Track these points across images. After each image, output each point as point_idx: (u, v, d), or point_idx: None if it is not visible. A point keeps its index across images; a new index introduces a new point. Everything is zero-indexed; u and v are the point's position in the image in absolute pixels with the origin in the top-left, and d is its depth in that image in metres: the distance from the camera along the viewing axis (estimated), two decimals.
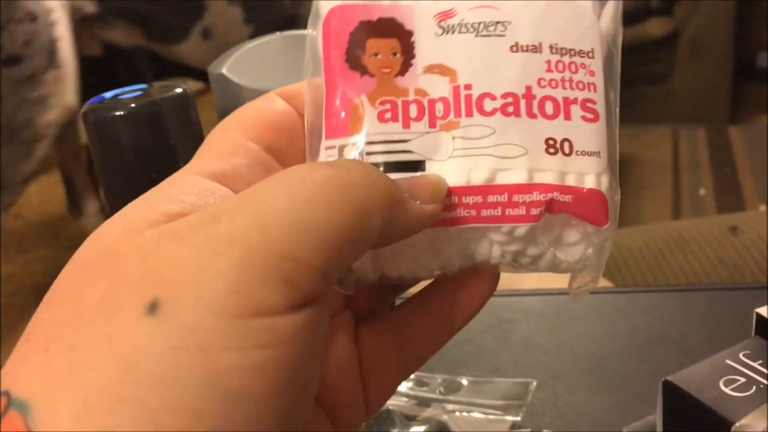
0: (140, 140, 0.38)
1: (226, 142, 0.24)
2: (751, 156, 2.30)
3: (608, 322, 0.48)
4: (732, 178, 2.19)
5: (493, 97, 0.24)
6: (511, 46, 0.25)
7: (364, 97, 0.24)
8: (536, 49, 0.25)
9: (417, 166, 0.24)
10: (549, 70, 0.25)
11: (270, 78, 0.43)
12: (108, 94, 0.40)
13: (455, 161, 0.24)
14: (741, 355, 0.33)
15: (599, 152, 0.25)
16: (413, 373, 0.27)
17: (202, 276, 0.18)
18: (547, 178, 0.24)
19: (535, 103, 0.24)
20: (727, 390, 0.31)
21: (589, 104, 0.25)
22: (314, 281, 0.19)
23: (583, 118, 0.25)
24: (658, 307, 0.49)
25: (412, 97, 0.24)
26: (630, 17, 2.43)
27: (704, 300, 0.50)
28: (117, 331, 0.18)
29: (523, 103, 0.24)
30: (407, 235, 0.23)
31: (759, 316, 0.35)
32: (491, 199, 0.24)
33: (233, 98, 0.43)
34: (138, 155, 0.38)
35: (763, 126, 2.48)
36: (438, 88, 0.24)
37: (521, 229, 0.24)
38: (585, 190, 0.24)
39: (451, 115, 0.24)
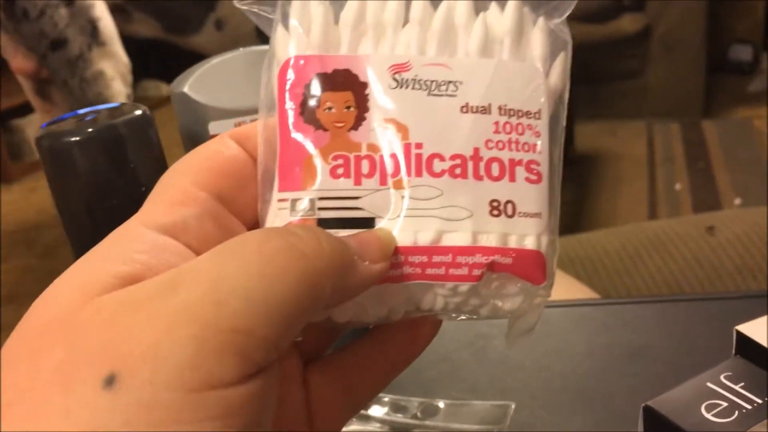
0: (99, 167, 0.37)
1: (175, 190, 0.24)
2: (725, 150, 2.31)
3: (586, 336, 0.48)
4: (707, 172, 2.20)
5: (442, 158, 0.25)
6: (462, 107, 0.25)
7: (317, 152, 0.25)
8: (485, 110, 0.25)
9: (367, 223, 0.24)
10: (497, 132, 0.25)
11: (233, 96, 0.42)
12: (65, 116, 0.38)
13: (403, 221, 0.24)
14: (722, 377, 0.33)
15: (540, 213, 0.26)
16: (360, 410, 0.27)
17: (159, 350, 0.18)
18: (489, 240, 0.25)
19: (482, 165, 0.25)
20: (708, 416, 0.31)
21: (533, 166, 0.26)
22: (267, 352, 0.20)
23: (527, 179, 0.25)
24: (636, 320, 0.48)
25: (364, 152, 0.25)
26: (603, 14, 2.44)
27: (683, 311, 0.49)
28: (75, 404, 0.18)
29: (470, 165, 0.25)
30: (355, 295, 0.24)
31: (739, 334, 0.35)
32: (436, 259, 0.24)
33: (196, 118, 0.41)
34: (97, 183, 0.37)
35: (736, 119, 2.49)
36: (390, 144, 0.25)
37: (464, 287, 0.25)
38: (525, 252, 0.25)
39: (402, 174, 0.25)
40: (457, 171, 0.25)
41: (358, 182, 0.25)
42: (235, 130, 0.26)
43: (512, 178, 0.25)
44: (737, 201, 2.02)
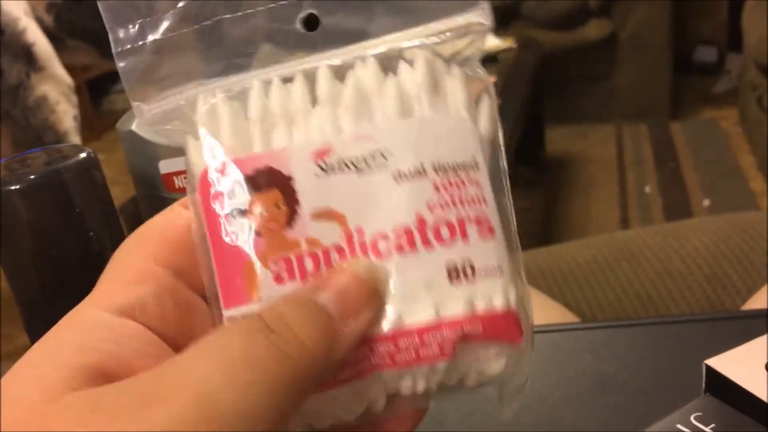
0: (43, 215, 0.35)
1: (130, 268, 0.23)
2: (693, 150, 2.33)
3: (556, 365, 0.47)
4: (676, 174, 2.22)
5: (385, 236, 0.23)
6: (395, 176, 0.24)
7: (255, 259, 0.23)
8: (420, 173, 0.24)
9: None
10: (437, 192, 0.24)
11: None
12: None
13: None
14: (692, 419, 0.32)
15: (501, 267, 0.24)
16: None
17: None
18: (455, 310, 0.23)
19: (430, 231, 0.23)
20: None
21: (483, 219, 0.24)
22: None
23: (480, 235, 0.24)
24: (606, 346, 0.48)
25: (305, 248, 0.23)
26: (570, 20, 2.45)
27: (653, 335, 0.49)
28: None
29: (417, 235, 0.23)
30: (344, 359, 0.22)
31: (709, 369, 0.34)
32: (403, 344, 0.23)
33: (146, 157, 0.40)
34: (42, 232, 0.35)
35: (703, 120, 2.52)
36: (329, 234, 0.23)
37: (440, 364, 0.23)
38: (494, 315, 0.23)
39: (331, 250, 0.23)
40: (404, 245, 0.23)
41: (305, 281, 0.23)
42: (186, 199, 0.24)
43: (465, 237, 0.24)
44: (706, 202, 2.04)
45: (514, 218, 0.25)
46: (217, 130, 0.24)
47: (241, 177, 0.23)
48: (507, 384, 0.25)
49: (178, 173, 0.40)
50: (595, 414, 0.43)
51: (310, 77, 0.25)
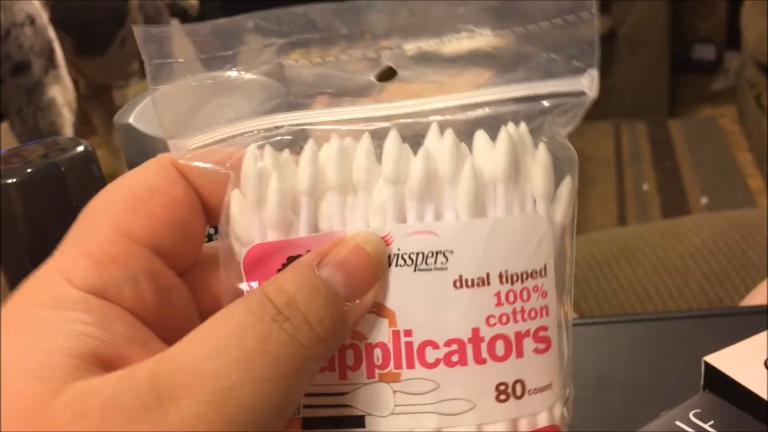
0: (40, 208, 0.35)
1: (104, 241, 0.21)
2: (691, 148, 2.33)
3: None
4: (674, 172, 2.22)
5: (436, 346, 0.21)
6: (455, 281, 0.21)
7: None
8: (483, 282, 0.22)
9: (355, 423, 0.22)
10: (499, 304, 0.22)
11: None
12: None
13: (396, 418, 0.22)
14: (691, 415, 0.32)
15: (551, 384, 0.23)
16: None
17: None
18: (497, 429, 0.22)
19: (484, 346, 0.22)
20: None
21: (541, 332, 0.22)
22: None
23: (536, 350, 0.22)
24: (604, 342, 0.47)
25: (348, 341, 0.22)
26: None
27: (651, 331, 0.48)
28: None
29: (469, 349, 0.21)
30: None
31: (708, 366, 0.34)
32: None
33: (143, 151, 0.39)
34: (38, 225, 0.35)
35: (701, 118, 2.52)
36: (376, 331, 0.22)
37: None
38: (536, 430, 0.22)
39: (391, 365, 0.22)
40: (455, 358, 0.21)
41: (343, 376, 0.22)
42: (180, 165, 0.22)
43: (520, 354, 0.22)
44: (704, 200, 2.04)
45: (570, 318, 0.23)
46: (264, 200, 0.22)
47: (288, 258, 0.22)
48: None
49: None
50: (593, 411, 0.42)
51: (375, 135, 0.22)
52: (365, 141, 0.22)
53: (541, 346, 0.22)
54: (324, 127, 0.22)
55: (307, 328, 0.20)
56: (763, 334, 0.34)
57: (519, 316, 0.22)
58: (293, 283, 0.20)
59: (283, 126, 0.22)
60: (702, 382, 0.34)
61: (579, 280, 0.87)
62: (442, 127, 0.22)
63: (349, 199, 0.22)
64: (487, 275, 0.21)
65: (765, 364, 0.32)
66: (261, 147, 0.22)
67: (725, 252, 0.82)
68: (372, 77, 0.23)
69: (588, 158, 2.33)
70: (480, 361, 0.22)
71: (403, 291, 0.21)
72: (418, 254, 0.21)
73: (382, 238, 0.21)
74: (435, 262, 0.21)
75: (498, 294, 0.22)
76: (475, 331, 0.21)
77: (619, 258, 0.87)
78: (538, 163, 0.22)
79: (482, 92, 0.22)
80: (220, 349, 0.19)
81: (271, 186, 0.22)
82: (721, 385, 0.33)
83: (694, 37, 2.65)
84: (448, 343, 0.21)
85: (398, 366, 0.22)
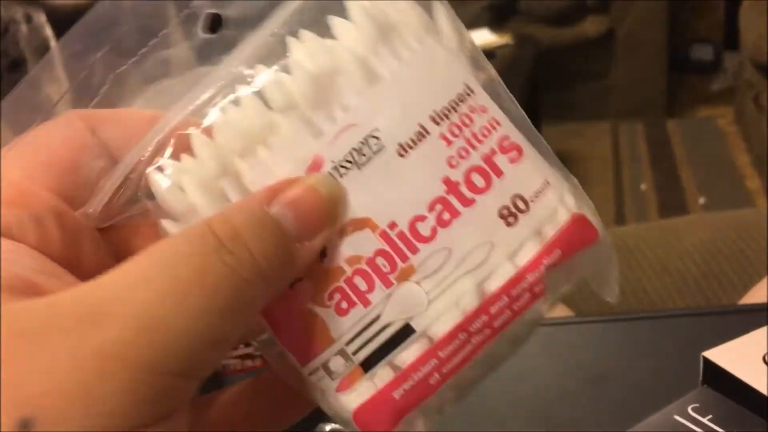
0: None
1: (8, 186, 0.20)
2: (689, 149, 2.33)
3: (552, 359, 0.47)
4: (671, 172, 2.22)
5: (422, 218, 0.21)
6: (398, 152, 0.21)
7: (311, 305, 0.21)
8: (422, 134, 0.22)
9: (405, 334, 0.22)
10: (450, 144, 0.22)
11: None
12: None
13: (437, 303, 0.22)
14: (689, 410, 0.32)
15: (546, 180, 0.23)
16: None
17: (89, 394, 0.17)
18: (528, 251, 0.22)
19: (463, 188, 0.22)
20: None
21: (505, 143, 0.22)
22: (192, 389, 0.19)
23: (511, 160, 0.22)
24: (602, 340, 0.48)
25: (349, 270, 0.21)
26: (567, 17, 2.45)
27: (650, 329, 0.49)
28: None
29: (452, 198, 0.22)
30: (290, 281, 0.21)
31: (706, 361, 0.34)
32: (495, 310, 0.22)
33: None
34: None
35: (699, 118, 2.52)
36: (366, 245, 0.21)
37: (537, 306, 0.22)
38: (566, 230, 0.22)
39: (399, 264, 0.21)
40: (446, 216, 0.21)
41: (366, 303, 0.21)
42: (88, 112, 0.22)
43: (499, 173, 0.22)
44: (702, 200, 2.04)
45: (526, 116, 0.23)
46: (193, 210, 0.21)
47: None
48: (602, 276, 0.24)
49: None
50: (591, 407, 0.43)
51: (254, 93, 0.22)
52: (246, 100, 0.21)
53: (514, 153, 0.22)
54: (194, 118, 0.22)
55: (251, 263, 0.19)
56: (762, 329, 0.34)
57: (475, 142, 0.22)
58: (241, 217, 0.20)
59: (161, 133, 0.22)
60: (701, 377, 0.34)
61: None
62: (298, 34, 0.22)
63: (263, 154, 0.21)
64: (421, 126, 0.22)
65: (763, 359, 0.32)
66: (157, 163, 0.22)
67: (723, 252, 0.82)
68: (201, 32, 0.23)
69: (586, 158, 2.33)
70: (468, 202, 0.22)
71: (363, 194, 0.21)
72: (351, 152, 0.21)
73: (313, 161, 0.21)
74: (370, 149, 0.21)
75: (443, 136, 0.22)
76: (446, 180, 0.22)
77: (618, 256, 0.88)
78: (399, 10, 0.22)
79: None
80: (152, 279, 0.18)
81: (190, 194, 0.21)
82: (719, 379, 0.33)
83: (692, 37, 2.65)
84: (431, 208, 0.21)
85: (405, 259, 0.21)
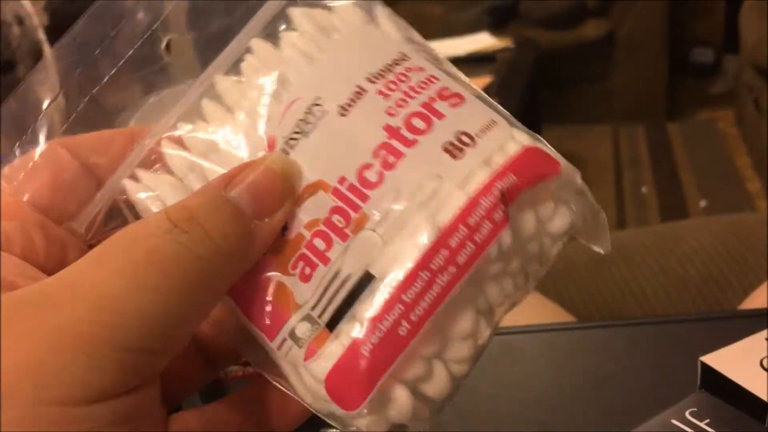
0: None
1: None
2: (690, 152, 2.33)
3: (552, 363, 0.47)
4: (672, 175, 2.22)
5: (368, 166, 0.22)
6: (339, 113, 0.22)
7: (276, 277, 0.22)
8: (359, 94, 0.22)
9: (366, 282, 0.21)
10: (387, 96, 0.22)
11: None
12: None
13: (393, 246, 0.21)
14: (687, 414, 0.32)
15: (492, 119, 0.23)
16: None
17: (43, 368, 0.18)
18: (479, 178, 0.21)
19: (404, 131, 0.22)
20: None
21: (445, 92, 0.23)
22: (154, 365, 0.20)
23: (452, 104, 0.23)
24: (602, 345, 0.48)
25: (308, 235, 0.22)
26: (567, 20, 2.45)
27: (649, 334, 0.49)
28: None
29: (395, 142, 0.22)
30: (255, 260, 0.22)
31: (704, 366, 0.34)
32: (454, 243, 0.21)
33: None
34: None
35: (699, 121, 2.52)
36: (322, 206, 0.22)
37: (504, 238, 0.21)
38: (516, 158, 0.22)
39: (352, 215, 0.21)
40: (390, 159, 0.21)
41: (326, 261, 0.21)
42: (67, 139, 0.24)
43: (439, 116, 0.22)
44: (703, 203, 2.04)
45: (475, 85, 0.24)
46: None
47: None
48: (586, 225, 0.24)
49: None
50: (591, 412, 0.43)
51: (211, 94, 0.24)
52: (207, 108, 0.23)
53: (455, 100, 0.23)
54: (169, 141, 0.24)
55: (206, 241, 0.20)
56: (760, 334, 0.35)
57: (413, 92, 0.22)
58: (196, 202, 0.21)
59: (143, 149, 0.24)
60: (698, 382, 0.34)
61: (577, 283, 0.87)
62: (249, 47, 0.24)
63: (224, 148, 0.23)
64: (359, 86, 0.22)
65: (761, 363, 0.32)
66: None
67: (724, 256, 0.82)
68: (163, 54, 0.25)
69: (586, 161, 2.33)
70: (411, 143, 0.22)
71: (313, 159, 0.22)
72: (298, 123, 0.22)
73: (268, 143, 0.22)
74: (314, 116, 0.22)
75: (380, 92, 0.22)
76: (387, 127, 0.22)
77: (618, 261, 0.87)
78: (338, 13, 0.24)
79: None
80: (105, 262, 0.19)
81: (169, 200, 0.23)
82: (717, 384, 0.33)
83: (692, 40, 2.65)
84: (375, 154, 0.22)
85: (357, 209, 0.21)
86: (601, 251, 0.24)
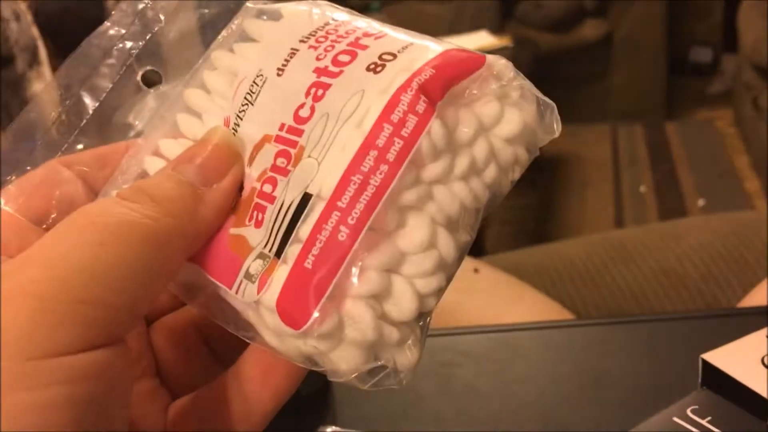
0: None
1: (2, 216, 0.23)
2: (688, 151, 2.34)
3: (552, 361, 0.47)
4: (671, 174, 2.22)
5: (302, 105, 0.23)
6: (277, 74, 0.24)
7: (234, 231, 0.23)
8: (293, 53, 0.24)
9: (305, 203, 0.21)
10: (316, 48, 0.24)
11: None
12: None
13: (325, 162, 0.21)
14: (689, 411, 0.32)
15: (411, 41, 0.23)
16: None
17: None
18: (398, 81, 0.22)
19: (331, 67, 0.23)
20: None
21: (371, 32, 0.24)
22: (115, 321, 0.20)
23: (377, 38, 0.24)
24: (602, 343, 0.48)
25: (259, 186, 0.23)
26: (566, 20, 2.45)
27: (649, 331, 0.49)
28: None
29: (323, 78, 0.23)
30: (214, 226, 0.23)
31: (705, 363, 0.34)
32: (381, 142, 0.21)
33: None
34: None
35: (698, 121, 2.52)
36: (268, 156, 0.23)
37: (435, 129, 0.21)
38: (435, 56, 0.22)
39: (292, 152, 0.22)
40: (319, 92, 0.22)
41: (272, 200, 0.22)
42: (64, 158, 0.25)
43: (363, 47, 0.23)
44: (701, 202, 2.04)
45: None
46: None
47: None
48: (544, 124, 0.24)
49: None
50: (591, 410, 0.43)
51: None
52: (182, 122, 0.25)
53: (378, 34, 0.24)
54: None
55: (151, 204, 0.21)
56: (761, 332, 0.35)
57: (340, 39, 0.24)
58: (145, 181, 0.23)
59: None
60: (700, 380, 0.34)
61: (576, 282, 0.87)
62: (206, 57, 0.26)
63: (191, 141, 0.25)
64: (291, 49, 0.24)
65: (762, 361, 0.32)
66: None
67: (722, 254, 0.82)
68: (139, 83, 0.27)
69: (585, 160, 2.33)
70: (337, 74, 0.23)
71: (258, 120, 0.24)
72: (245, 97, 0.24)
73: (225, 123, 0.24)
74: (258, 86, 0.24)
75: (310, 46, 0.24)
76: (316, 69, 0.23)
77: (616, 260, 0.87)
78: (287, 10, 0.26)
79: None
80: (57, 230, 0.20)
81: None
82: (718, 382, 0.33)
83: (691, 39, 2.65)
84: (307, 93, 0.23)
85: (294, 145, 0.22)
86: (553, 135, 0.25)
